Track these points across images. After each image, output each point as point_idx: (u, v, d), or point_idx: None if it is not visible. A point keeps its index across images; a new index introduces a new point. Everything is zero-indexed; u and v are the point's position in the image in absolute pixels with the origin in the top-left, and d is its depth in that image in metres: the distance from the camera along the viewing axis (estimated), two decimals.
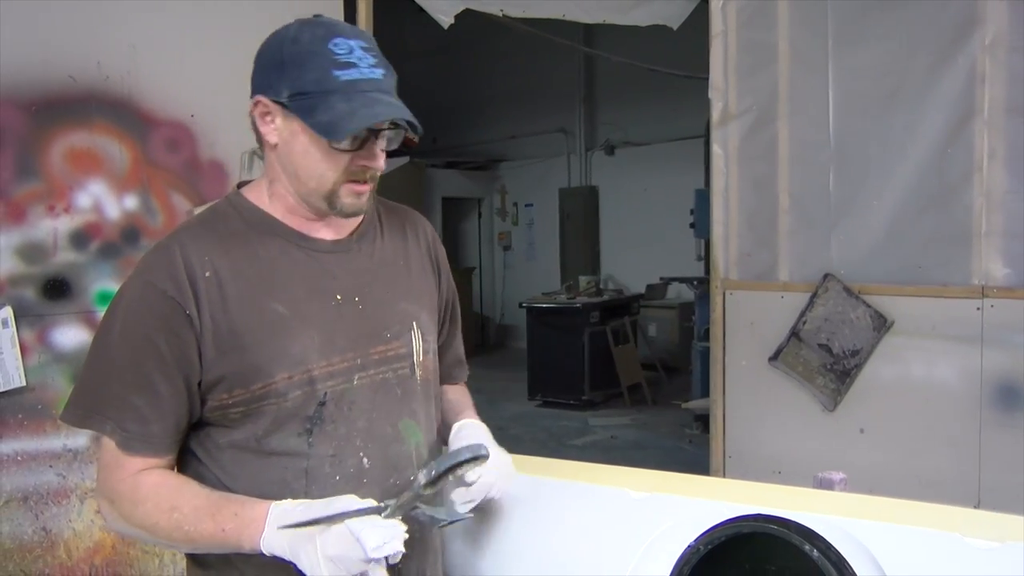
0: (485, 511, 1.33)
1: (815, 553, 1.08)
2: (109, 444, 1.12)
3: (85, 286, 2.46)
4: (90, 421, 1.12)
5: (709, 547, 1.16)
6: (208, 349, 1.10)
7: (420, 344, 1.25)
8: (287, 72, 1.09)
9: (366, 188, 1.16)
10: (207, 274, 1.12)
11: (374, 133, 1.12)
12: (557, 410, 7.14)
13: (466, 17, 3.50)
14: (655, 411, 7.04)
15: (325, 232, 1.22)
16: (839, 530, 1.09)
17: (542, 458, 1.45)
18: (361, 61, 1.09)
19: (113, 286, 2.52)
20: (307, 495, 1.13)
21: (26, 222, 2.38)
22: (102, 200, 2.51)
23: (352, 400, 1.16)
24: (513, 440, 6.24)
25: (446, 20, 3.34)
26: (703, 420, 6.19)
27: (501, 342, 11.13)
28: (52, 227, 2.41)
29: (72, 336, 2.45)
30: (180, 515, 1.08)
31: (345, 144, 1.11)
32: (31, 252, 2.38)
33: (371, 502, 1.06)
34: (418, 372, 1.25)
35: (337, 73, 1.08)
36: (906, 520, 1.05)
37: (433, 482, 1.06)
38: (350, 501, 1.06)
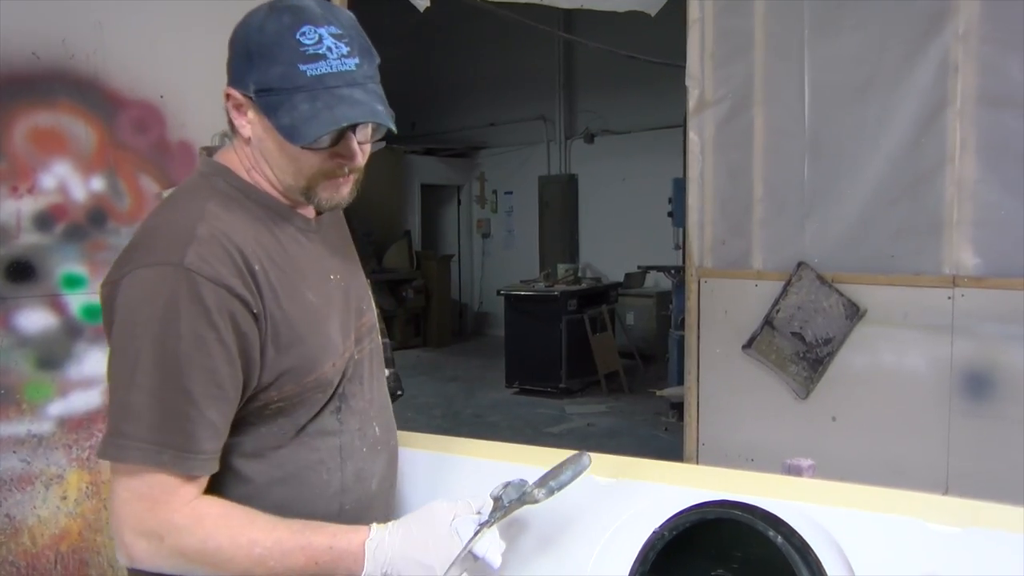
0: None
1: (779, 539, 1.07)
2: (150, 473, 0.98)
3: (50, 269, 2.41)
4: (147, 455, 0.97)
5: (674, 533, 1.15)
6: (270, 348, 1.04)
7: (377, 313, 1.30)
8: (254, 65, 1.01)
9: (346, 182, 1.11)
10: (257, 267, 1.04)
11: (350, 128, 1.04)
12: (534, 398, 7.15)
13: (445, 2, 3.46)
14: (632, 399, 7.06)
15: (307, 211, 1.18)
16: (804, 516, 1.09)
17: (506, 443, 1.44)
18: (332, 52, 1.00)
19: (79, 269, 2.47)
20: (342, 471, 1.15)
21: None
22: (67, 181, 2.45)
23: (360, 374, 1.19)
24: (490, 428, 6.23)
25: (422, 3, 3.30)
26: (679, 408, 6.21)
27: (479, 329, 11.13)
28: (15, 208, 2.36)
29: (36, 320, 2.40)
30: (263, 550, 1.00)
31: (314, 145, 1.03)
32: None
33: (467, 505, 1.07)
34: (380, 339, 1.30)
35: (304, 68, 0.99)
36: (870, 506, 1.05)
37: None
38: (446, 510, 1.05)
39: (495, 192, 11.25)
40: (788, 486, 1.18)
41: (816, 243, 2.91)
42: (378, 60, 1.08)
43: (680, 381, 6.21)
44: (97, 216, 2.50)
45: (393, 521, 1.06)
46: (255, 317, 1.01)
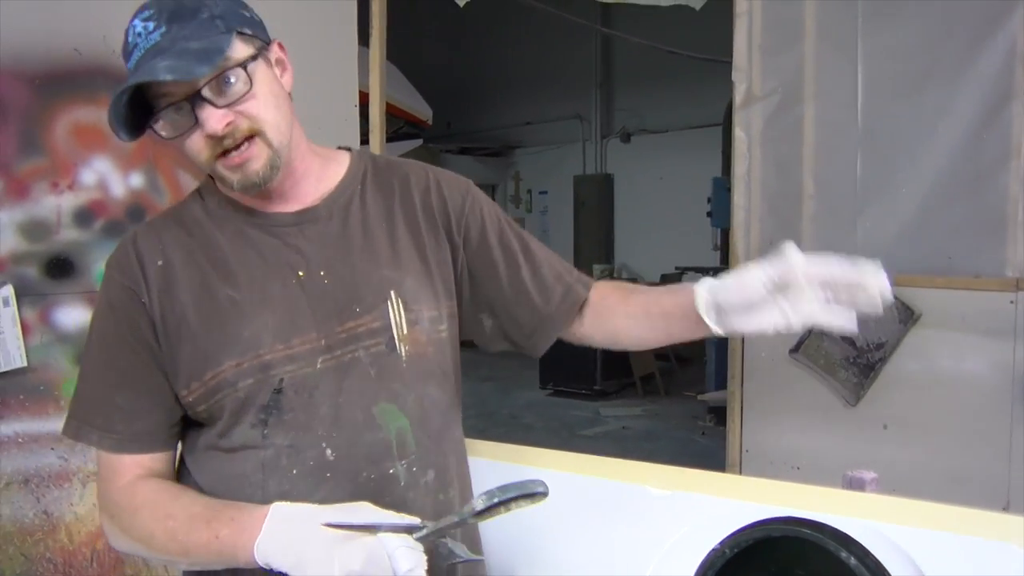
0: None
1: (852, 560, 0.99)
2: (101, 455, 1.09)
3: (88, 265, 2.41)
4: (81, 433, 1.09)
5: (735, 551, 1.08)
6: (162, 339, 1.07)
7: (402, 314, 1.10)
8: None
9: (244, 157, 1.01)
10: (159, 263, 1.08)
11: (189, 100, 0.97)
12: (568, 399, 7.08)
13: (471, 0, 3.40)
14: (667, 402, 6.96)
15: (285, 204, 1.12)
16: (878, 535, 1.01)
17: (556, 451, 1.37)
18: (141, 36, 0.98)
19: None
20: (263, 488, 1.04)
21: (29, 198, 2.33)
22: (107, 177, 2.45)
23: (314, 385, 1.05)
24: (525, 429, 6.18)
25: None
26: (716, 412, 6.11)
27: None
28: (56, 204, 2.36)
29: (75, 316, 2.40)
30: (175, 523, 1.00)
31: (170, 133, 1.00)
32: (34, 229, 2.33)
33: (402, 517, 0.95)
34: (402, 347, 1.09)
35: (129, 66, 1.00)
36: (954, 527, 0.97)
37: (484, 512, 0.93)
38: (375, 513, 0.95)
39: (530, 191, 11.22)
40: (857, 502, 1.10)
41: (869, 243, 2.79)
42: (207, 13, 0.99)
43: (718, 385, 6.09)
44: (136, 212, 2.49)
45: (312, 504, 0.96)
46: (144, 307, 1.06)
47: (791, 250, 0.97)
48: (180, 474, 1.14)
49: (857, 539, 1.03)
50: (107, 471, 1.08)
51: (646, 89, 9.60)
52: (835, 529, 1.04)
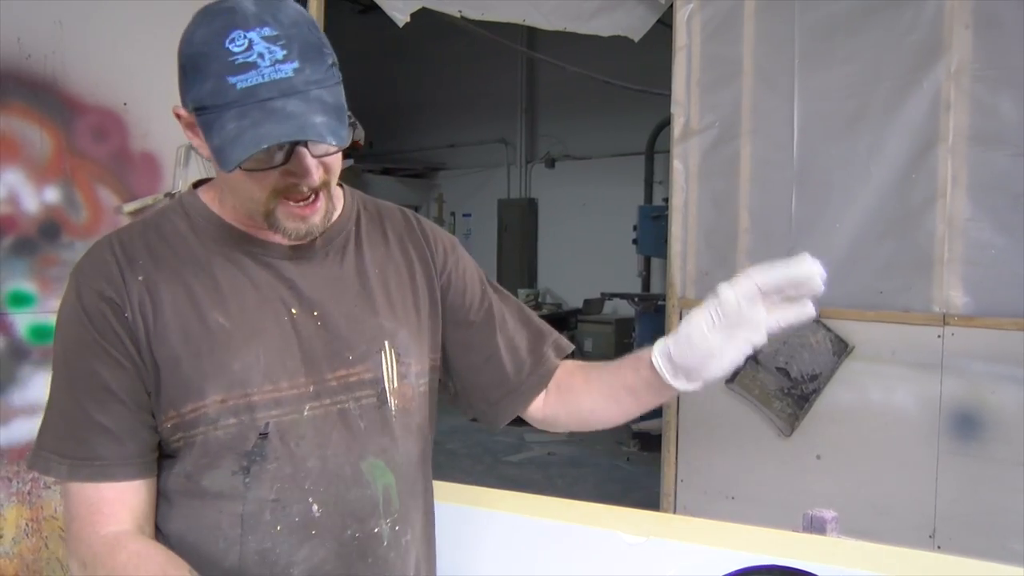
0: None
1: None
2: (75, 489, 0.95)
3: None
4: (50, 467, 0.95)
5: None
6: (146, 355, 0.96)
7: (394, 367, 1.05)
8: (188, 80, 0.90)
9: (312, 209, 0.96)
10: (140, 277, 0.97)
11: (302, 144, 0.90)
12: None
13: (410, 21, 3.35)
14: None
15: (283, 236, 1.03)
16: None
17: (520, 493, 1.31)
18: (263, 58, 0.86)
19: (28, 286, 2.27)
20: (241, 545, 0.95)
21: None
22: (18, 191, 2.27)
23: (301, 434, 0.98)
24: (449, 455, 6.06)
25: (401, 18, 3.19)
26: (640, 437, 6.15)
27: None
28: None
29: None
30: None
31: (254, 165, 0.90)
32: None
33: None
34: (392, 401, 1.04)
35: (233, 80, 0.86)
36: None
37: None
38: None
39: (453, 214, 11.14)
40: (836, 550, 1.08)
41: None
42: (332, 59, 0.92)
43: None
44: (50, 229, 2.31)
45: None
46: (126, 320, 0.96)
47: (724, 290, 0.98)
48: None
49: None
50: (84, 508, 0.94)
51: (570, 116, 9.70)
52: None
